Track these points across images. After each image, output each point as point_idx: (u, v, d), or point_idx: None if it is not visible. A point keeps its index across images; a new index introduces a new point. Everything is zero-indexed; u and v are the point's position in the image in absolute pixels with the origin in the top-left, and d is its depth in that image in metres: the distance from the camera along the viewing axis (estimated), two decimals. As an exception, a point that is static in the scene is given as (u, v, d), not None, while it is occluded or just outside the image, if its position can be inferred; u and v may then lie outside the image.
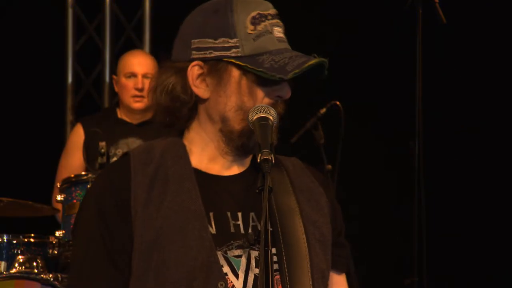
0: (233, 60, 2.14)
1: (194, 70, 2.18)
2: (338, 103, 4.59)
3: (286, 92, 2.16)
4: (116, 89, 5.10)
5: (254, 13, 2.17)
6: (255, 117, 2.08)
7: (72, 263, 2.23)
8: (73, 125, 5.75)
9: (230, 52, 2.14)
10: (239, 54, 2.14)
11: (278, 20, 2.19)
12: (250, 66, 2.13)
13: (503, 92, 5.44)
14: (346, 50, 5.49)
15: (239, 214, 2.16)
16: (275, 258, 2.13)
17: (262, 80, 2.14)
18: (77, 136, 5.00)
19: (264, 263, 1.88)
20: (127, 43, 6.16)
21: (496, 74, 5.42)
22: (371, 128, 5.41)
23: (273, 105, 2.14)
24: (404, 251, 4.22)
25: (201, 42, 2.18)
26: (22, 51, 5.95)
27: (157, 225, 2.10)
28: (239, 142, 2.17)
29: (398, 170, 4.58)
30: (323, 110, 4.59)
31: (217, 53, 2.15)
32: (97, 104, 6.19)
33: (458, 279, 5.38)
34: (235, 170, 2.22)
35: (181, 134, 2.25)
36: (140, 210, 2.11)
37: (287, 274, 2.12)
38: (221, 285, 2.07)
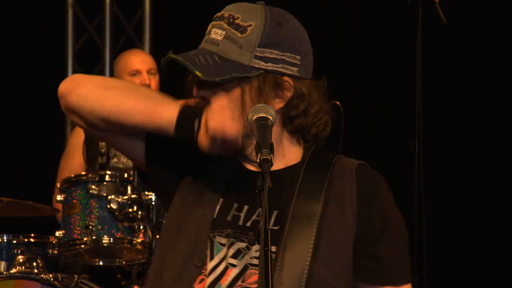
0: None
1: None
2: (338, 103, 4.59)
3: (194, 93, 2.23)
4: (116, 90, 5.10)
5: (215, 16, 2.26)
6: (255, 117, 2.08)
7: None
8: (73, 125, 5.75)
9: None
10: None
11: (221, 22, 2.21)
12: None
13: (503, 92, 5.44)
14: (346, 50, 5.49)
15: (245, 207, 2.23)
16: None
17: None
18: (77, 136, 5.01)
19: (264, 262, 1.88)
20: (127, 43, 6.16)
21: (496, 74, 5.42)
22: (371, 128, 5.40)
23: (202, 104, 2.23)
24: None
25: None
26: (22, 51, 5.95)
27: (184, 192, 2.27)
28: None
29: (398, 170, 4.58)
30: (323, 110, 4.58)
31: None
32: (97, 104, 6.18)
33: (458, 279, 5.38)
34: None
35: None
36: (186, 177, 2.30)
37: (276, 274, 2.13)
38: (198, 262, 2.18)
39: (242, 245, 2.18)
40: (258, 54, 2.18)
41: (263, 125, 2.05)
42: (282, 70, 2.21)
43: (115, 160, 4.89)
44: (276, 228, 2.19)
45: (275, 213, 2.21)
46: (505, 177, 5.40)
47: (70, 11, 6.15)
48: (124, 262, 4.40)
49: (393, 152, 4.98)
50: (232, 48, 2.18)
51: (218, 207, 2.23)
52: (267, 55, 2.19)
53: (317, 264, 2.15)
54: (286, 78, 2.22)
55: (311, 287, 2.14)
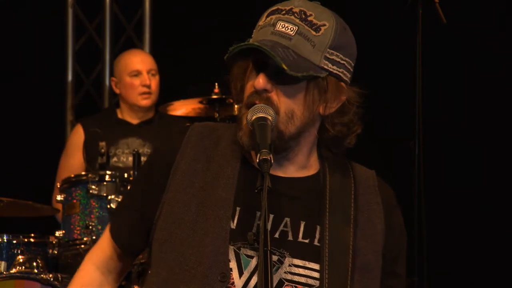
0: None
1: None
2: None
3: (257, 83, 2.12)
4: (116, 91, 5.11)
5: (274, 8, 2.18)
6: (254, 117, 2.07)
7: None
8: (73, 125, 5.76)
9: None
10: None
11: (291, 16, 2.13)
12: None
13: (503, 92, 5.43)
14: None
15: (271, 216, 2.13)
16: (314, 274, 2.12)
17: (251, 70, 2.17)
18: (77, 136, 5.01)
19: (263, 263, 1.87)
20: (127, 43, 6.17)
21: (496, 74, 5.41)
22: (371, 128, 5.40)
23: (253, 96, 2.13)
24: (404, 251, 4.21)
25: None
26: (22, 51, 5.95)
27: (186, 200, 2.15)
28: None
29: (398, 170, 4.58)
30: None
31: None
32: (97, 104, 6.19)
33: (458, 279, 5.38)
34: (289, 172, 2.19)
35: None
36: (178, 178, 2.18)
37: None
38: (222, 277, 2.07)
39: (273, 258, 2.09)
40: (328, 55, 2.15)
41: (262, 125, 2.05)
42: (342, 75, 2.19)
43: (115, 159, 4.90)
44: (306, 241, 2.15)
45: (302, 224, 2.16)
46: (505, 177, 5.39)
47: (70, 11, 6.15)
48: (124, 262, 4.39)
49: (393, 152, 4.97)
50: (305, 45, 2.12)
51: (236, 217, 2.13)
52: (334, 58, 2.16)
53: (356, 285, 2.14)
54: (343, 83, 2.20)
55: None
